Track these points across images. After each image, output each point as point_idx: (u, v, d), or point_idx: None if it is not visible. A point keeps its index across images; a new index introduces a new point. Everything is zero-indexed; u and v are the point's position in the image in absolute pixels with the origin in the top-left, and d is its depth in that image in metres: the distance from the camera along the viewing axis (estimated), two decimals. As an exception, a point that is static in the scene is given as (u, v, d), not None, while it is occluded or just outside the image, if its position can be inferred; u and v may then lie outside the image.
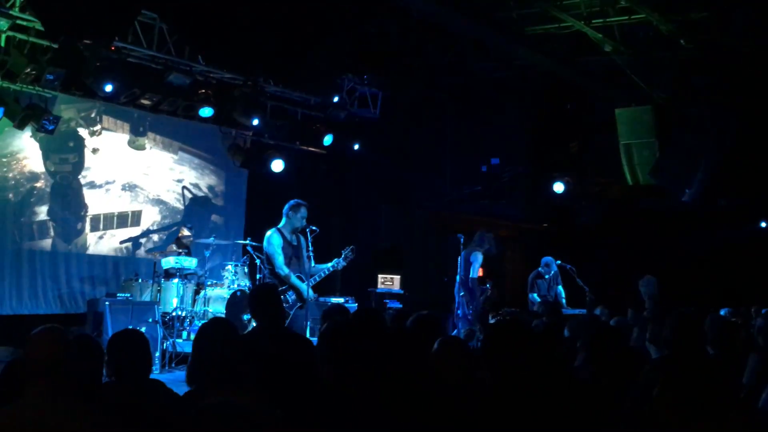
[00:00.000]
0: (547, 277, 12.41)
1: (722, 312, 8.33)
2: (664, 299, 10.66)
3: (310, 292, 8.90)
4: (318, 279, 9.06)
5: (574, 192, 15.62)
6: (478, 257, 11.61)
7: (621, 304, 10.80)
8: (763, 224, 16.45)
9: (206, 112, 12.73)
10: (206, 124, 13.62)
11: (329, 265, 9.09)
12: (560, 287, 12.53)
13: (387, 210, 17.11)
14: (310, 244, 9.06)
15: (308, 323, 9.35)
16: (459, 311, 11.75)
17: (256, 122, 13.24)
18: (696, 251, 15.86)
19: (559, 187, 15.23)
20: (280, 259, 8.75)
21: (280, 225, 8.92)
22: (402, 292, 14.89)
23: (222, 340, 4.20)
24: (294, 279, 8.70)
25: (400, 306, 14.49)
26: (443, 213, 17.58)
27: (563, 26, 11.67)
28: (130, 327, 9.84)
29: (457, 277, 11.95)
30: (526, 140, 16.89)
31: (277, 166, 13.77)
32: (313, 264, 9.06)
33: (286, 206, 8.96)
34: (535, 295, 12.34)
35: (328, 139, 14.38)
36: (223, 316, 10.95)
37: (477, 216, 17.41)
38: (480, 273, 17.63)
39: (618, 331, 5.01)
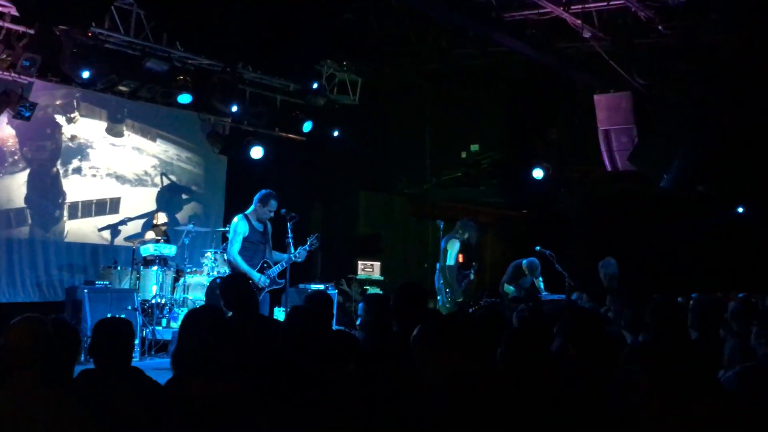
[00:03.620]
0: (527, 277, 12.38)
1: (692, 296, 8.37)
2: (625, 281, 10.75)
3: (265, 280, 8.99)
4: (281, 268, 9.13)
5: (554, 178, 15.66)
6: (455, 245, 11.58)
7: (600, 290, 10.87)
8: (741, 210, 16.56)
9: (185, 98, 12.66)
10: (185, 110, 13.54)
11: (293, 253, 9.17)
12: (540, 278, 12.52)
13: (367, 196, 17.11)
14: (289, 231, 9.14)
15: (287, 309, 9.40)
16: (439, 299, 11.76)
17: (234, 109, 13.18)
18: (675, 237, 15.96)
19: (538, 174, 15.26)
20: (235, 247, 8.96)
21: (248, 211, 9.13)
22: (382, 278, 14.91)
23: (211, 326, 4.22)
24: (243, 265, 8.81)
25: (381, 293, 14.53)
26: (423, 199, 17.60)
27: (542, 12, 11.66)
28: (109, 315, 9.84)
29: (437, 265, 11.96)
30: (506, 127, 16.91)
31: (257, 152, 13.73)
32: (292, 251, 9.14)
33: (257, 195, 9.15)
34: (512, 288, 12.32)
35: (307, 126, 14.34)
36: (204, 303, 10.98)
37: (457, 203, 17.44)
38: (460, 259, 17.69)
39: (595, 316, 5.04)
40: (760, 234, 15.25)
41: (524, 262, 12.45)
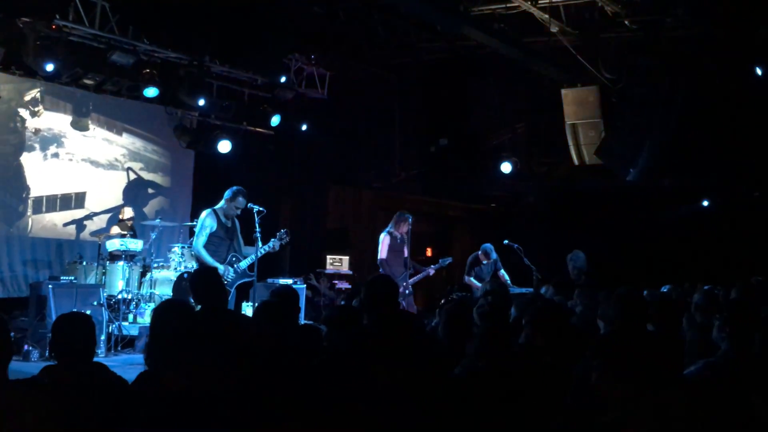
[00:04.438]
0: (485, 262, 12.38)
1: (663, 289, 8.47)
2: (595, 274, 10.83)
3: (229, 272, 9.10)
4: (250, 261, 9.17)
5: (521, 172, 15.74)
6: (385, 238, 11.58)
7: (567, 282, 10.93)
8: (705, 203, 16.76)
9: (151, 92, 12.53)
10: (151, 104, 13.42)
11: (262, 248, 9.23)
12: (503, 271, 12.50)
13: (335, 191, 17.08)
14: (257, 225, 9.15)
15: (256, 304, 9.40)
16: None
17: (202, 102, 13.07)
18: (640, 230, 16.11)
19: (506, 168, 15.32)
20: (201, 240, 9.08)
21: (217, 206, 9.26)
22: (351, 272, 14.89)
23: (180, 321, 4.20)
24: (208, 258, 8.87)
25: (350, 287, 14.53)
26: (391, 193, 17.61)
27: (510, 6, 11.73)
28: (75, 310, 9.73)
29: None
30: (474, 121, 16.95)
31: (224, 147, 13.64)
32: (260, 245, 9.17)
33: (227, 191, 9.24)
34: (473, 278, 12.32)
35: (275, 120, 14.27)
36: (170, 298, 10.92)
37: (425, 196, 17.47)
38: (428, 253, 17.72)
39: (561, 308, 5.07)
40: (724, 226, 15.44)
41: (479, 252, 12.45)
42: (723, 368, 4.30)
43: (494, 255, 12.37)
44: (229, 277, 8.98)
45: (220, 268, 8.86)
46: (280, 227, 9.97)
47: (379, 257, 11.51)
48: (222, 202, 9.17)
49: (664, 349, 3.42)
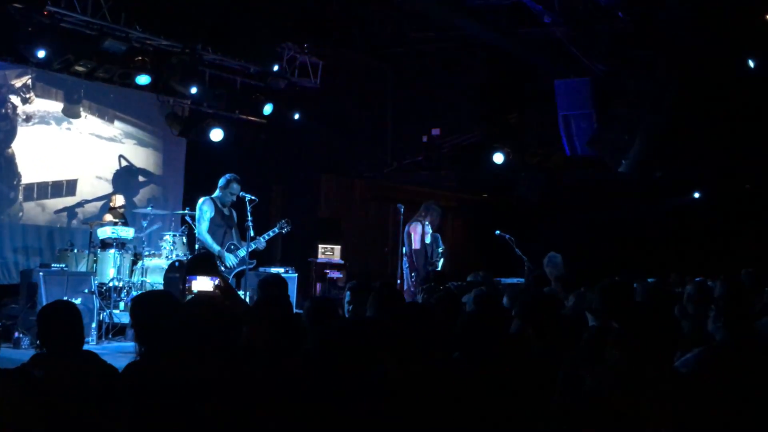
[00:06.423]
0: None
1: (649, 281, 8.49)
2: (582, 265, 10.83)
3: (238, 260, 9.22)
4: (249, 249, 9.22)
5: (514, 163, 15.73)
6: (417, 228, 11.56)
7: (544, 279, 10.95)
8: (697, 195, 16.80)
9: (143, 79, 12.52)
10: (143, 91, 13.38)
11: (262, 238, 9.32)
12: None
13: (327, 180, 17.06)
14: (249, 214, 9.17)
15: (247, 293, 9.44)
16: (404, 285, 11.67)
17: (194, 90, 13.06)
18: (632, 221, 16.14)
19: (498, 158, 15.31)
20: (203, 226, 9.12)
21: (214, 195, 9.28)
22: (342, 262, 14.89)
23: (160, 310, 4.18)
24: (214, 245, 8.96)
25: (341, 275, 14.52)
26: (384, 183, 17.59)
27: (503, -3, 11.72)
28: (65, 298, 9.71)
29: (404, 250, 11.85)
30: (467, 111, 16.92)
31: (216, 135, 13.61)
32: (252, 234, 9.20)
33: (221, 179, 9.30)
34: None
35: (267, 109, 14.25)
36: (162, 286, 10.91)
37: (417, 186, 17.46)
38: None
39: (552, 298, 5.07)
40: (715, 218, 15.48)
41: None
42: (717, 357, 4.33)
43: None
44: (231, 263, 9.05)
45: (224, 255, 8.97)
46: (272, 216, 10.01)
47: (412, 247, 11.47)
48: (217, 191, 9.27)
49: (662, 339, 3.43)
